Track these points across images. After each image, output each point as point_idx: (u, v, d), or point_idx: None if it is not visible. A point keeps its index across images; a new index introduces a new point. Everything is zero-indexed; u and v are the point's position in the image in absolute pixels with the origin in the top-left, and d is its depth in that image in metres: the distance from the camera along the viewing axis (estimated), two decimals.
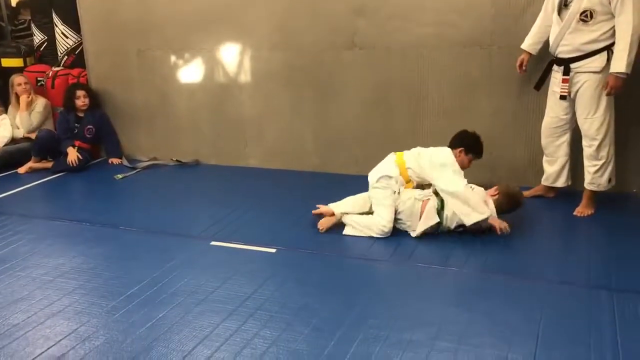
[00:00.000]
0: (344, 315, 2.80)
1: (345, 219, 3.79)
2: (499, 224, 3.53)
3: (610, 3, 3.51)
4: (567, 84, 3.78)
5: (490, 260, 3.36)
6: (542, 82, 4.01)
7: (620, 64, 3.54)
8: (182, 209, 4.40)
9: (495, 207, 3.60)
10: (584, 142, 3.87)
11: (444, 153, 3.70)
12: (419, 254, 3.47)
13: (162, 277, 3.26)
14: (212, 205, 4.43)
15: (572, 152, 4.04)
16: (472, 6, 4.29)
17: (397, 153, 3.83)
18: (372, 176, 3.80)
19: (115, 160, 5.71)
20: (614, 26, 3.57)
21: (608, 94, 3.68)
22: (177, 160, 5.56)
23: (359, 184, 4.00)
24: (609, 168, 3.87)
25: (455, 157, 3.67)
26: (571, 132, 3.99)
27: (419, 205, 3.61)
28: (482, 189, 3.68)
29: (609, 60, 3.63)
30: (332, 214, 3.82)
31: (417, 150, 3.81)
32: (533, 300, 2.91)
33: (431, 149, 3.79)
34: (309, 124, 5.08)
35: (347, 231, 3.75)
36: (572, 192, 4.11)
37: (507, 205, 3.64)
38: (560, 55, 3.79)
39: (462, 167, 3.68)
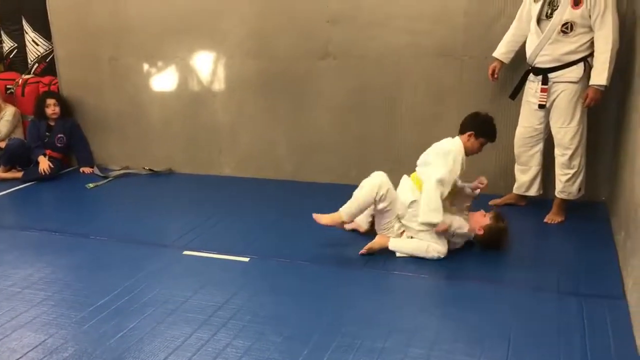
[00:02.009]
0: (317, 324, 2.79)
1: (394, 245, 3.54)
2: (442, 227, 3.41)
3: (590, 17, 3.60)
4: (546, 94, 3.84)
5: (462, 267, 3.39)
6: (517, 92, 4.06)
7: (601, 77, 3.62)
8: (155, 218, 4.36)
9: (474, 239, 3.56)
10: (557, 151, 3.93)
11: (448, 142, 3.56)
12: (391, 261, 3.48)
13: (133, 287, 3.21)
14: (185, 214, 4.39)
15: (545, 161, 4.10)
16: (445, 16, 4.34)
17: (412, 175, 3.64)
18: (400, 206, 3.55)
19: (87, 169, 5.63)
20: (591, 39, 3.67)
21: (587, 106, 3.76)
22: (149, 169, 5.51)
23: (334, 192, 4.01)
24: (580, 177, 3.93)
25: (464, 142, 3.54)
26: (544, 141, 4.05)
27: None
28: (462, 218, 3.56)
29: (585, 71, 3.72)
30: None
31: (423, 157, 3.64)
32: (504, 306, 2.94)
33: (438, 144, 3.62)
34: (283, 132, 5.08)
35: (400, 255, 3.53)
36: (542, 200, 4.16)
37: (485, 246, 3.55)
38: (539, 65, 3.84)
39: (472, 152, 3.58)
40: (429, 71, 4.49)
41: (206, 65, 5.16)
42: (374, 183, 3.50)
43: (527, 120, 4.04)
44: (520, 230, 3.77)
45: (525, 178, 4.14)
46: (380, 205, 3.50)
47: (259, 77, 5.02)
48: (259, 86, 5.05)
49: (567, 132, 3.85)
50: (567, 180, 3.92)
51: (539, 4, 3.77)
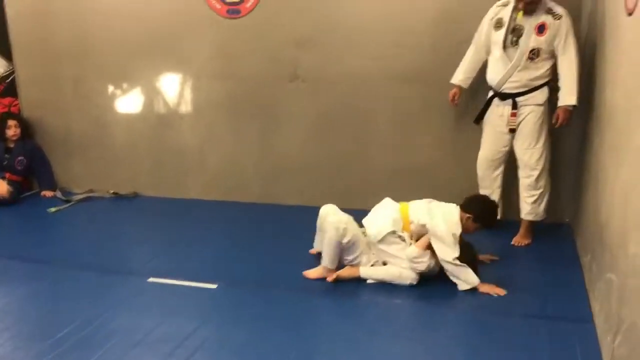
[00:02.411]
0: (287, 352, 2.73)
1: (365, 273, 3.50)
2: (491, 290, 3.33)
3: (553, 43, 3.73)
4: (516, 117, 3.91)
5: (432, 292, 3.36)
6: (481, 117, 4.10)
7: (571, 97, 3.74)
8: (119, 244, 4.25)
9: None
10: (523, 173, 3.98)
11: (447, 215, 3.44)
12: (362, 287, 3.45)
13: (95, 318, 3.10)
14: (151, 239, 4.30)
15: (504, 184, 4.16)
16: (411, 41, 4.39)
17: (402, 204, 3.59)
18: (375, 230, 3.51)
19: (49, 193, 5.47)
20: (553, 63, 3.80)
21: (559, 126, 3.86)
22: (114, 193, 5.38)
23: (303, 215, 3.97)
24: (546, 197, 4.00)
25: (462, 219, 3.43)
26: (505, 163, 4.11)
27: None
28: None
29: (549, 94, 3.85)
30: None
31: (428, 205, 3.52)
32: (474, 331, 2.94)
33: (442, 207, 3.51)
34: (251, 154, 5.03)
35: (371, 281, 3.49)
36: (505, 223, 4.14)
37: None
38: (507, 91, 3.91)
39: (466, 231, 3.46)
40: (396, 95, 4.52)
41: (173, 87, 5.10)
42: (335, 226, 3.44)
43: (493, 143, 4.08)
44: (487, 254, 3.79)
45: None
46: (344, 240, 3.46)
47: (227, 99, 4.98)
48: (226, 108, 5.00)
49: (533, 153, 3.91)
50: (534, 202, 3.97)
51: (501, 31, 3.84)
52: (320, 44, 4.62)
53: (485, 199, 3.66)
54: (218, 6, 4.81)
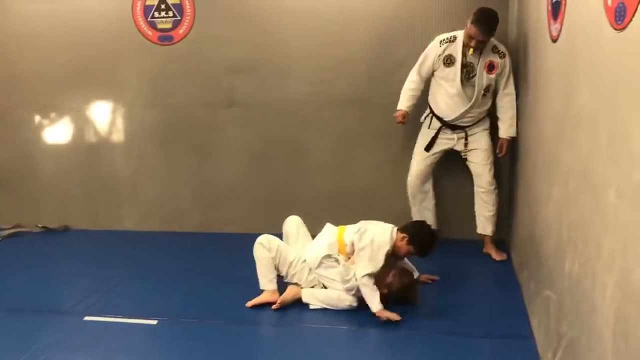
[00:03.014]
0: None
1: (306, 297, 3.50)
2: (389, 316, 3.27)
3: (497, 81, 4.00)
4: (468, 146, 4.14)
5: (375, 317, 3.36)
6: (432, 145, 4.19)
7: (512, 129, 4.03)
8: (50, 282, 4.04)
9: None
10: (481, 189, 4.17)
11: (380, 235, 3.44)
12: (306, 314, 3.43)
13: None
14: (85, 276, 4.11)
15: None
16: (347, 66, 4.47)
17: (339, 227, 3.61)
18: (312, 256, 3.54)
19: None
20: (494, 97, 4.09)
21: (503, 156, 4.15)
22: (43, 227, 5.13)
23: (241, 242, 3.88)
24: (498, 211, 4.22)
25: (397, 239, 3.45)
26: (433, 178, 4.32)
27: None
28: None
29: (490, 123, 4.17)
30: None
31: (362, 225, 3.54)
32: (421, 353, 2.96)
33: (375, 226, 3.52)
34: (187, 183, 4.94)
35: (313, 307, 3.48)
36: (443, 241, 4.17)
37: (397, 300, 3.46)
38: (461, 124, 4.10)
39: (399, 253, 3.48)
40: (334, 119, 4.57)
41: (104, 116, 4.95)
42: (258, 242, 3.52)
43: (428, 159, 4.23)
44: (427, 273, 3.83)
45: (428, 215, 4.31)
46: (272, 254, 3.51)
47: (160, 127, 4.88)
48: (160, 136, 4.90)
49: (490, 169, 4.15)
50: (493, 215, 4.18)
51: (453, 69, 3.97)
52: (256, 70, 4.61)
53: (424, 224, 3.67)
54: (150, 33, 4.73)
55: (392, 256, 3.49)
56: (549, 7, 2.91)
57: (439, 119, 4.13)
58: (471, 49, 3.88)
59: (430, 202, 4.35)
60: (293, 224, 3.80)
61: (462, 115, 4.06)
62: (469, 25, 3.84)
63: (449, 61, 3.98)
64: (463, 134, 4.13)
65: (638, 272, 1.55)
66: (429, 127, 4.18)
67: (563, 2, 2.58)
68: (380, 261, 3.38)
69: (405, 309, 3.45)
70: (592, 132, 2.05)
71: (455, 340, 3.08)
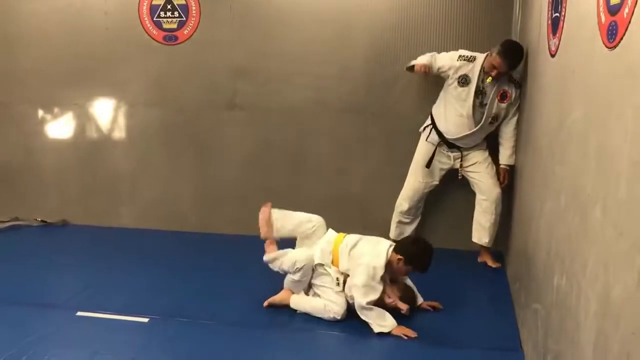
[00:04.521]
0: None
1: (294, 303, 3.49)
2: (404, 332, 3.24)
3: (508, 110, 4.00)
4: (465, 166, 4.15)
5: (368, 324, 3.34)
6: (431, 161, 4.19)
7: (512, 158, 4.06)
8: (45, 275, 4.06)
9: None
10: (483, 196, 4.15)
11: (374, 257, 3.35)
12: (298, 317, 3.44)
13: (18, 355, 2.93)
14: (79, 271, 4.14)
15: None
16: (348, 74, 4.49)
17: (338, 236, 3.53)
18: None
19: None
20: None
21: (503, 184, 4.12)
22: (41, 221, 5.16)
23: (239, 244, 3.92)
24: (497, 223, 4.19)
25: (393, 261, 3.34)
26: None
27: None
28: None
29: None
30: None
31: (352, 243, 3.46)
32: None
33: (369, 247, 3.43)
34: (187, 183, 4.96)
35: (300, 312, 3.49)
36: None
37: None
38: (460, 144, 4.11)
39: (397, 273, 3.41)
40: (333, 125, 4.59)
41: (106, 114, 4.98)
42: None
43: (431, 176, 4.23)
44: (420, 284, 3.82)
45: (411, 228, 4.36)
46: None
47: (162, 127, 4.91)
48: (162, 136, 4.93)
49: (493, 177, 4.13)
50: (491, 226, 4.16)
51: (467, 90, 3.95)
52: (259, 73, 4.64)
53: (420, 241, 3.56)
54: (155, 32, 4.76)
55: (391, 275, 3.43)
56: (549, 22, 2.92)
57: (439, 133, 4.13)
58: (490, 78, 3.88)
59: (419, 217, 4.37)
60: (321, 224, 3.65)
61: (464, 138, 4.07)
62: (494, 55, 3.83)
63: (464, 81, 3.96)
64: (459, 154, 4.14)
65: (618, 289, 1.56)
66: (427, 139, 4.18)
67: (562, 18, 2.60)
68: (378, 288, 3.31)
69: (399, 316, 3.46)
70: (583, 148, 2.06)
71: (444, 352, 3.07)
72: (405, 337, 3.19)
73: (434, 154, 4.16)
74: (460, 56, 3.96)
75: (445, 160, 4.19)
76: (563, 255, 2.26)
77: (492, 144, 4.18)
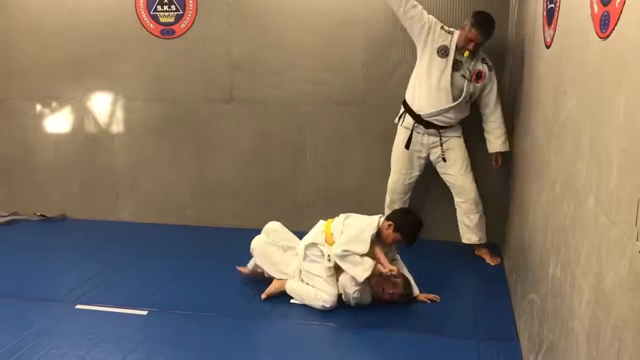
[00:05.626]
0: None
1: (289, 289, 3.55)
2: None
3: (481, 91, 4.01)
4: (443, 148, 4.07)
5: (367, 315, 3.38)
6: (409, 142, 4.14)
7: (506, 144, 4.08)
8: (45, 269, 4.08)
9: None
10: (460, 198, 4.12)
11: (366, 220, 3.50)
12: (296, 309, 3.46)
13: (18, 348, 2.96)
14: (78, 264, 4.15)
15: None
16: (345, 66, 4.47)
17: (328, 220, 3.61)
18: (300, 247, 3.58)
19: None
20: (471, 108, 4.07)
21: (498, 168, 4.15)
22: (41, 215, 5.18)
23: (238, 237, 3.93)
24: (484, 220, 4.16)
25: (384, 227, 3.46)
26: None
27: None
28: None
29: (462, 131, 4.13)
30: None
31: (345, 215, 3.57)
32: (408, 353, 2.98)
33: (361, 216, 3.57)
34: (185, 176, 4.97)
35: (294, 301, 3.53)
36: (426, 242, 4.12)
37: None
38: (436, 123, 4.03)
39: (385, 240, 3.47)
40: (331, 118, 4.59)
41: (104, 107, 4.98)
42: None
43: (410, 167, 4.19)
44: (417, 276, 3.84)
45: None
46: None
47: (160, 120, 4.91)
48: (160, 130, 4.93)
49: (468, 176, 4.09)
50: (476, 225, 4.13)
51: (445, 60, 3.91)
52: (257, 66, 4.63)
53: (410, 212, 3.68)
54: (152, 26, 4.76)
55: (380, 244, 3.47)
56: (544, 13, 2.93)
57: (414, 116, 4.07)
58: (466, 52, 3.88)
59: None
60: (279, 228, 3.80)
61: (440, 113, 3.98)
62: (467, 28, 3.84)
63: (444, 52, 3.93)
64: (437, 139, 4.05)
65: (610, 278, 1.58)
66: (402, 124, 4.15)
67: (556, 8, 2.60)
68: (364, 242, 3.35)
69: (396, 307, 3.49)
70: (577, 138, 2.07)
71: (441, 340, 3.10)
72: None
73: (411, 136, 4.10)
74: (441, 27, 3.97)
75: (420, 148, 4.10)
76: (558, 245, 2.28)
77: (474, 140, 4.17)
